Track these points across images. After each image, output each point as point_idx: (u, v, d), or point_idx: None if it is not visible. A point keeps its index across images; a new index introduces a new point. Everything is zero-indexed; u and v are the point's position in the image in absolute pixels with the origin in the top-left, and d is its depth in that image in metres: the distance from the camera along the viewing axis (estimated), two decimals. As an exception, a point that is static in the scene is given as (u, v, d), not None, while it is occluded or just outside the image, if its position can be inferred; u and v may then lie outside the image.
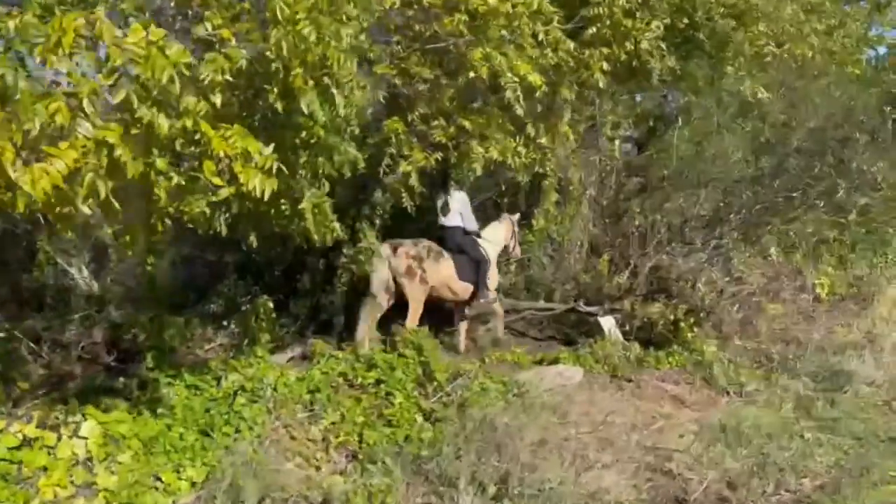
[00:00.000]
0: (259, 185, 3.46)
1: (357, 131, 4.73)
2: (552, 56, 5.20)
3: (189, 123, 3.30)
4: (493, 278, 8.50)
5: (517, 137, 5.74)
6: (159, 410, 4.69)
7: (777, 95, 12.13)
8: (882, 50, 15.63)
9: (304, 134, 4.08)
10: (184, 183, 3.58)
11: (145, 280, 12.75)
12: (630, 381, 7.24)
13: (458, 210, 8.32)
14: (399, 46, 5.51)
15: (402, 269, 7.69)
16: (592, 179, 12.94)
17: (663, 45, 6.76)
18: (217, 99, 3.41)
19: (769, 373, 7.61)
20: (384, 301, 7.71)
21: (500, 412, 5.25)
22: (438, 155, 5.53)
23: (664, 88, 13.38)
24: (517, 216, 9.61)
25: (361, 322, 7.66)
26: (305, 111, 3.79)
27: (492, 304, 8.57)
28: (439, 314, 8.50)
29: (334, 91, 3.88)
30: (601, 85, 5.44)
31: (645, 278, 10.65)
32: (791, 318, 10.92)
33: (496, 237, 8.85)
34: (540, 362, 7.74)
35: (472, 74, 5.25)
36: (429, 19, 5.43)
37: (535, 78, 4.96)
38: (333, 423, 4.77)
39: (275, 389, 4.87)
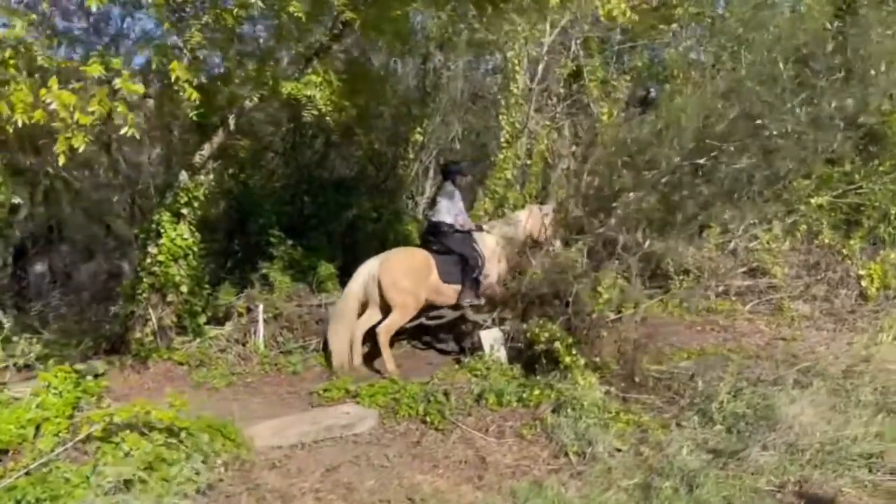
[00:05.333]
0: None
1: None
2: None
3: None
4: (493, 272, 7.40)
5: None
6: None
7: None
8: None
9: None
10: None
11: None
12: (439, 429, 5.19)
13: (445, 207, 7.29)
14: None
15: (388, 281, 6.82)
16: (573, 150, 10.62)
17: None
18: None
19: (668, 418, 5.28)
20: (353, 319, 6.91)
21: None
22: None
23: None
24: (548, 206, 8.28)
25: (335, 346, 6.84)
26: None
27: (473, 306, 7.36)
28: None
29: None
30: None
31: (637, 270, 8.43)
32: (816, 322, 8.26)
33: (508, 231, 7.69)
34: (355, 396, 5.84)
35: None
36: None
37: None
38: None
39: None
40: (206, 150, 6.50)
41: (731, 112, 6.45)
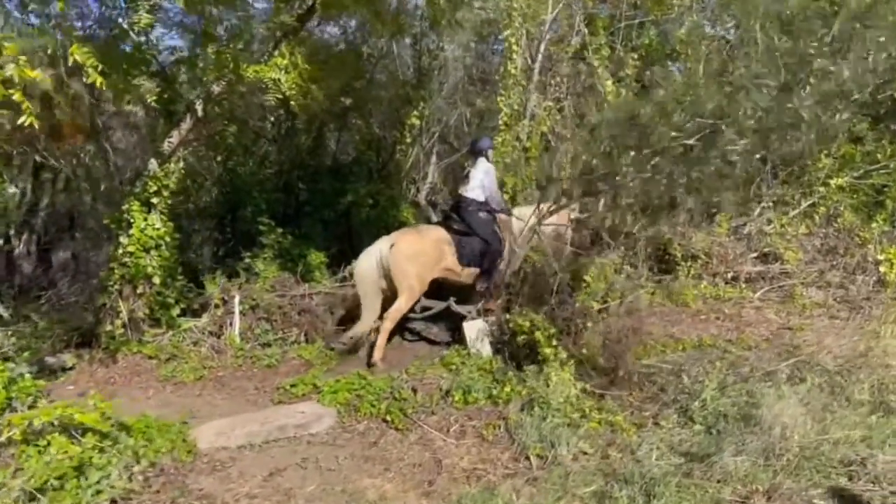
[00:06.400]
0: None
1: None
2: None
3: None
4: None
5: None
6: None
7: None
8: None
9: None
10: None
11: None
12: (399, 429, 4.92)
13: (480, 182, 6.93)
14: None
15: (398, 264, 6.51)
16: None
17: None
18: None
19: (646, 416, 4.94)
20: (373, 301, 6.65)
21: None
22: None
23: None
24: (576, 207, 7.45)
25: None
26: None
27: (490, 293, 7.02)
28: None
29: None
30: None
31: (644, 257, 8.14)
32: (829, 310, 7.78)
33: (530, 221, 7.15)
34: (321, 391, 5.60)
35: None
36: None
37: None
38: None
39: None
40: (175, 137, 6.29)
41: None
